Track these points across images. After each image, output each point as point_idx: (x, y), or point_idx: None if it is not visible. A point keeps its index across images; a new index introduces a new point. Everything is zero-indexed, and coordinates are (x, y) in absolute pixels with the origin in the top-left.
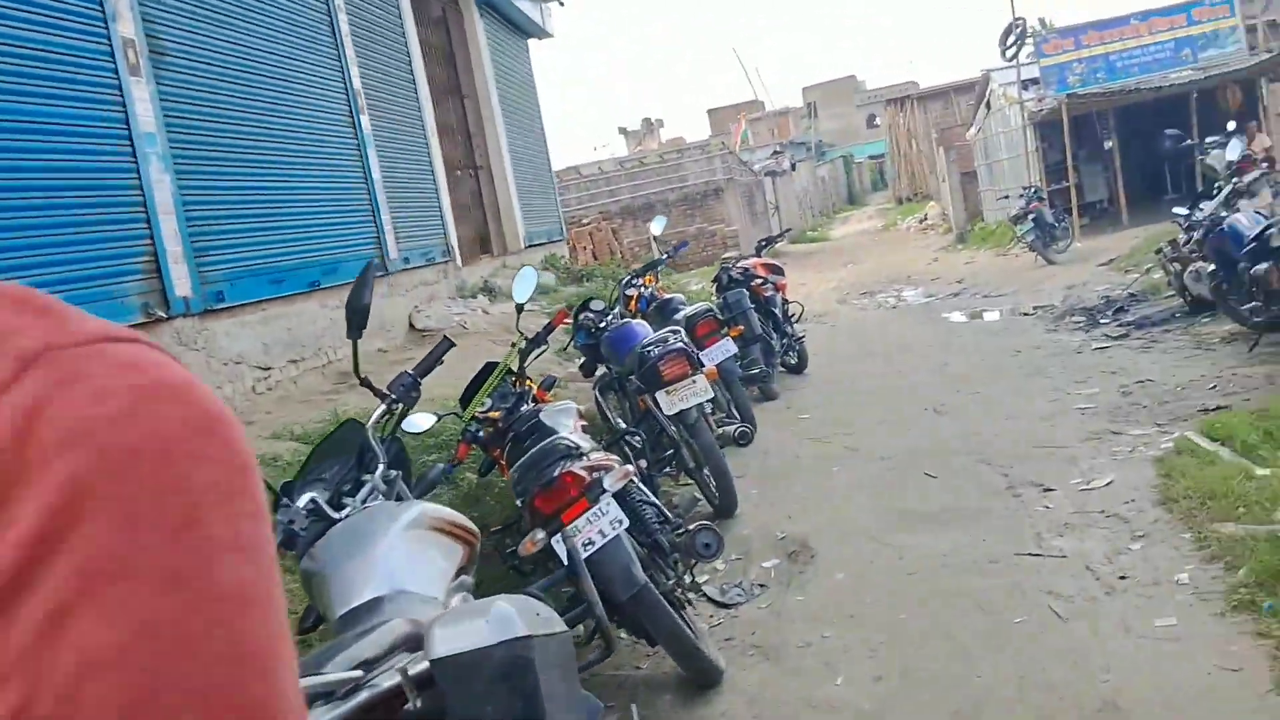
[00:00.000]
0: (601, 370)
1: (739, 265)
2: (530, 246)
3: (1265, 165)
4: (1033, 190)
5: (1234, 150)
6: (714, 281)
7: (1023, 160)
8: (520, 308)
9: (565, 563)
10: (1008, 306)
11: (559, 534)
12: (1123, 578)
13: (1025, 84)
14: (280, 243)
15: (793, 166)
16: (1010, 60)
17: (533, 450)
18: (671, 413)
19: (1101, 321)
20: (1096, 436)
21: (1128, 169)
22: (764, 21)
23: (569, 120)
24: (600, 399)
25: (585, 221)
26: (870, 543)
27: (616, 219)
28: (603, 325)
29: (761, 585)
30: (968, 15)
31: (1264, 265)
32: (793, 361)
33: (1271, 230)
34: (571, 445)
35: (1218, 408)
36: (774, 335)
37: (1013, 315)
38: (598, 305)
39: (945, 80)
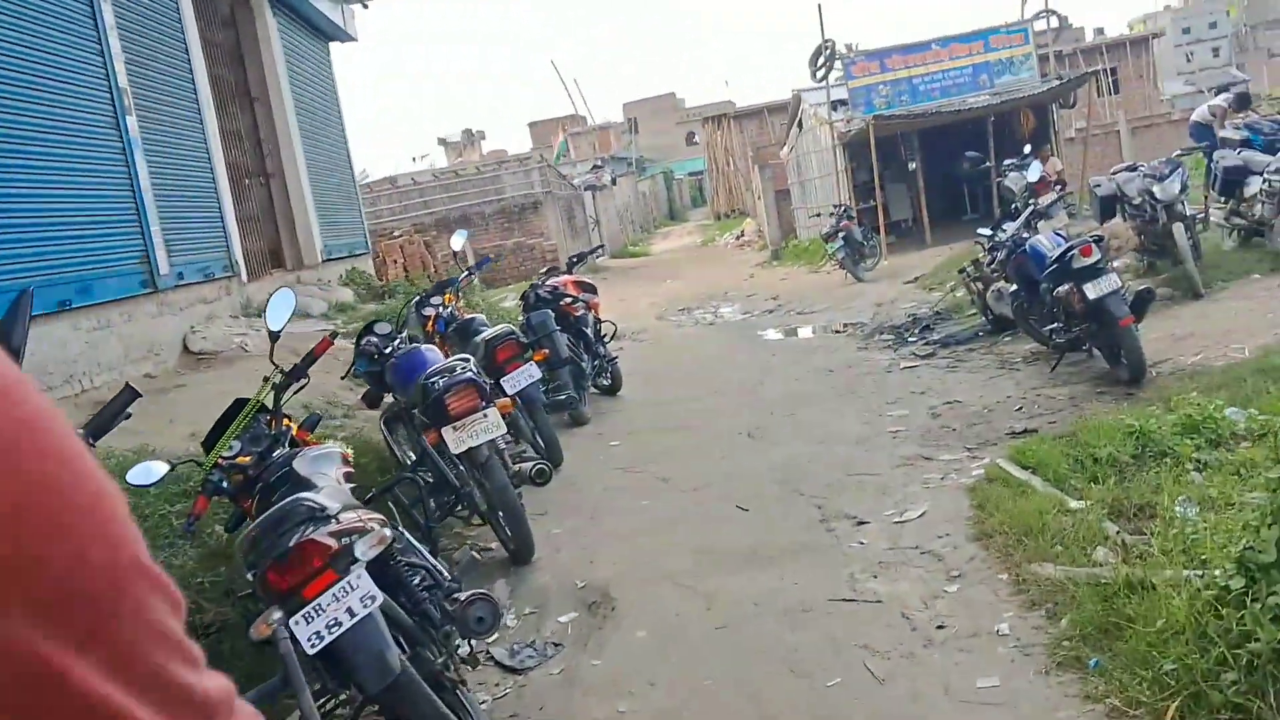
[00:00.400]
0: (389, 400)
1: (548, 283)
2: (330, 260)
3: (1059, 187)
4: (843, 209)
5: (1033, 173)
6: (521, 300)
7: (833, 179)
8: (275, 335)
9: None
10: (821, 324)
11: (301, 612)
12: (941, 627)
13: (835, 105)
14: (21, 257)
15: (613, 181)
16: (820, 81)
17: (262, 516)
18: (459, 451)
19: (909, 340)
20: (909, 462)
21: (931, 189)
22: (584, 35)
23: (389, 130)
24: (387, 433)
25: (396, 234)
26: (677, 589)
27: (431, 231)
28: (388, 351)
29: (557, 644)
30: (782, 37)
31: (1065, 287)
32: (605, 384)
33: (1072, 252)
34: (316, 507)
35: (1025, 431)
36: (585, 357)
37: (825, 333)
38: (383, 328)
39: (761, 100)
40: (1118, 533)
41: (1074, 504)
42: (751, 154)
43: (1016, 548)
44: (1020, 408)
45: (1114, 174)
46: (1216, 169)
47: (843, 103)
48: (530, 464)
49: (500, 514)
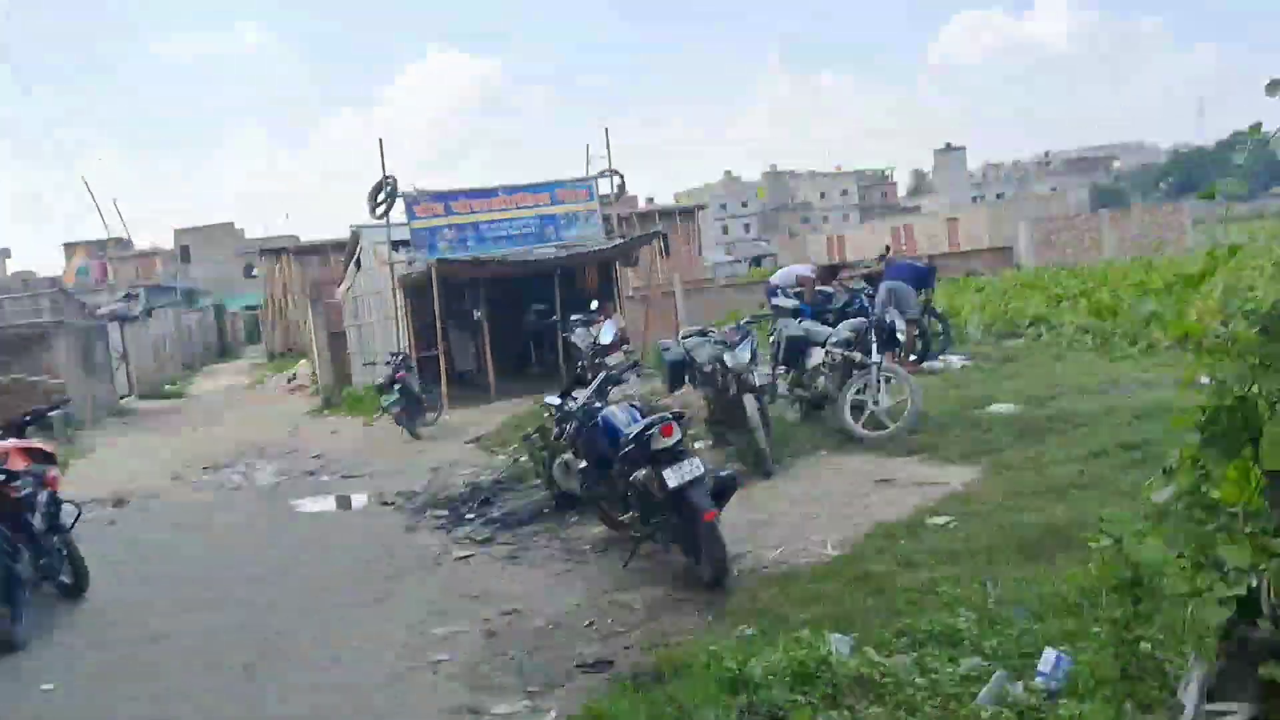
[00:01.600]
0: None
1: None
2: None
3: (624, 346)
4: (400, 358)
5: (606, 334)
6: None
7: (393, 324)
8: None
9: None
10: (367, 492)
11: None
12: None
13: (396, 245)
14: None
15: (148, 312)
16: (380, 219)
17: None
18: None
19: (467, 517)
20: (455, 714)
21: (496, 339)
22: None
23: None
24: None
25: None
26: None
27: None
28: None
29: None
30: (346, 172)
31: (643, 471)
32: (66, 582)
33: (651, 431)
34: None
35: (598, 663)
36: (23, 553)
37: (372, 504)
38: None
39: (325, 236)
40: None
41: None
42: (308, 291)
43: None
44: (591, 623)
45: (684, 338)
46: (779, 338)
47: (405, 243)
48: None
49: None
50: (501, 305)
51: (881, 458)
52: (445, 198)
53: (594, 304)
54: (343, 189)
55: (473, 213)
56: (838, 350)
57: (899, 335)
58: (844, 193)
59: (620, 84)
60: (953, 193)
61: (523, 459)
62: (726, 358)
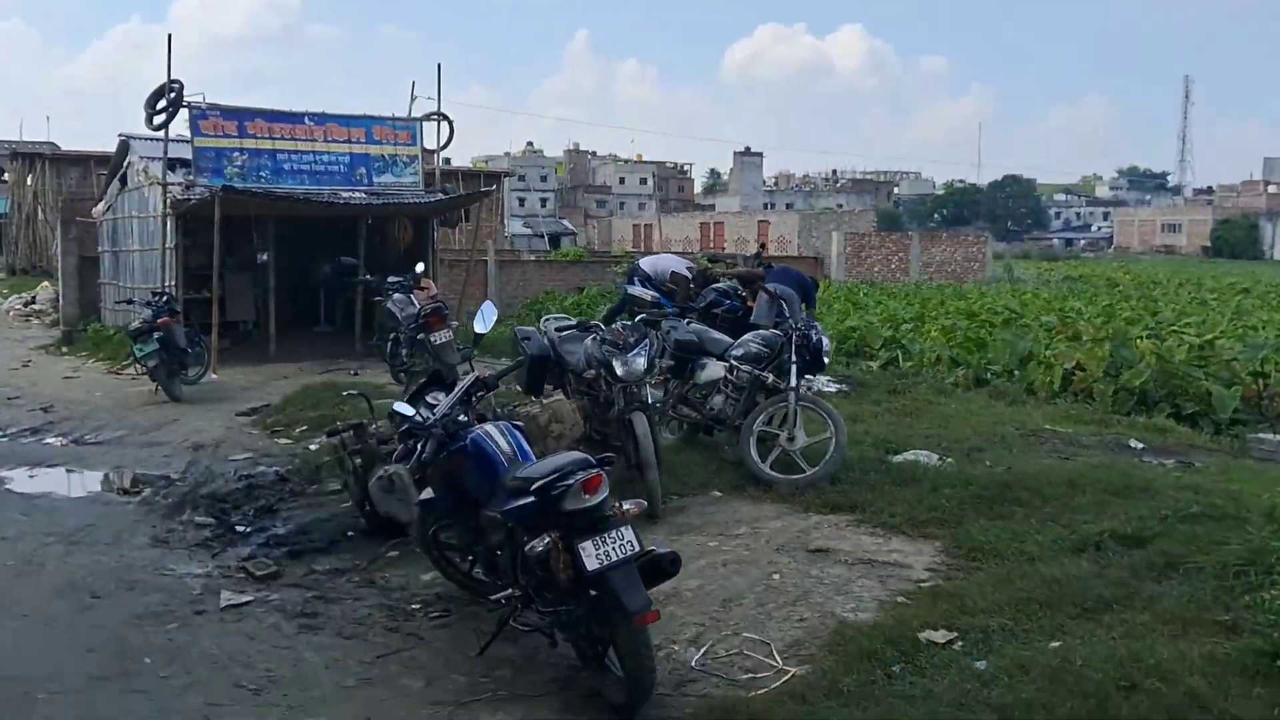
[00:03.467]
0: None
1: None
2: None
3: (454, 324)
4: (164, 299)
5: (485, 318)
6: None
7: (158, 256)
8: None
9: None
10: (106, 470)
11: None
12: None
13: (173, 164)
14: None
15: None
16: (157, 129)
17: None
18: None
19: (240, 532)
20: None
21: (282, 290)
22: None
23: None
24: None
25: None
26: None
27: None
28: None
29: None
30: (125, 82)
31: (544, 540)
32: None
33: (567, 484)
34: None
35: None
36: None
37: (106, 492)
38: None
39: (94, 147)
40: None
41: None
42: (61, 204)
43: None
44: None
45: (558, 330)
46: (665, 341)
47: (184, 163)
48: None
49: None
50: (293, 251)
51: (799, 513)
52: (240, 116)
53: (420, 266)
54: (119, 101)
55: (272, 138)
56: (745, 368)
57: (825, 357)
58: (643, 181)
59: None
60: (747, 196)
61: (318, 452)
62: (616, 365)
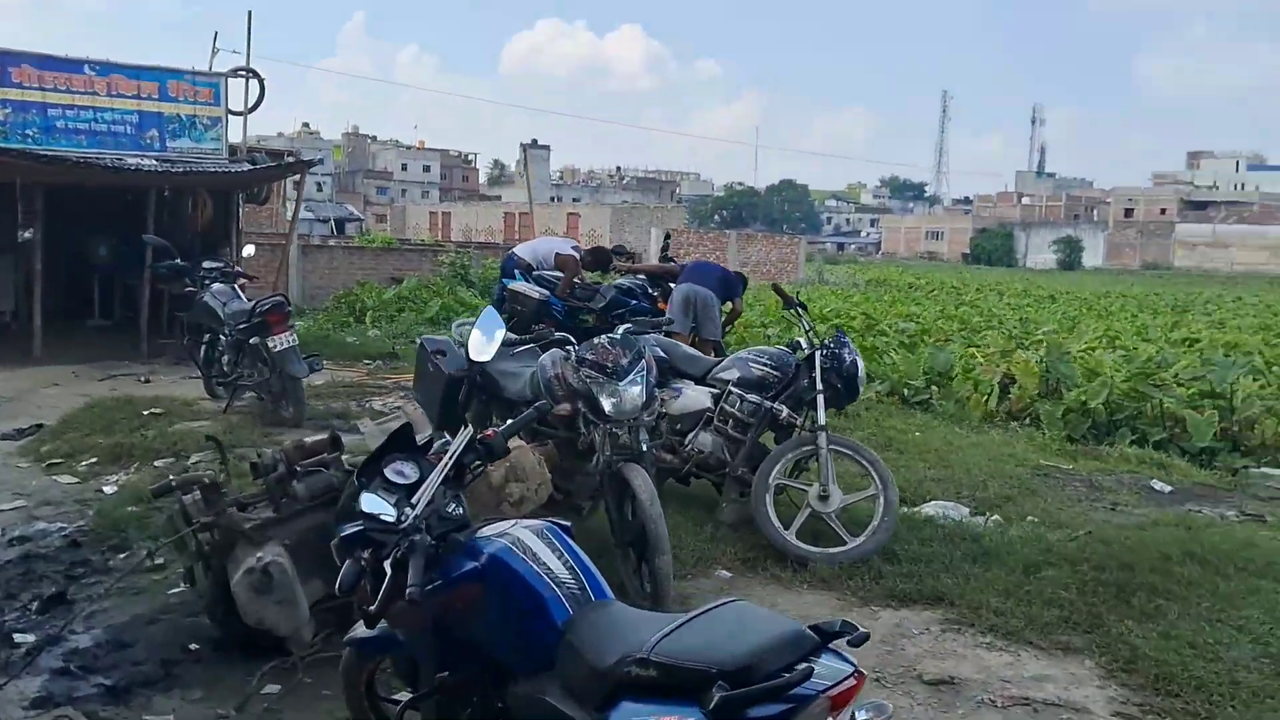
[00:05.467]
0: None
1: None
2: None
3: (293, 324)
4: None
5: (484, 336)
6: None
7: None
8: None
9: None
10: None
11: None
12: None
13: None
14: None
15: None
16: None
17: None
18: None
19: (17, 642)
20: None
21: (50, 275)
22: None
23: None
24: None
25: None
26: None
27: None
28: None
29: None
30: None
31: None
32: None
33: (808, 692)
34: None
35: None
36: None
37: None
38: None
39: None
40: None
41: None
42: None
43: None
44: None
45: (506, 341)
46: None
47: None
48: None
49: None
50: (64, 228)
51: (858, 605)
52: (5, 60)
53: (249, 249)
54: None
55: (42, 89)
56: (751, 398)
57: (859, 385)
58: (426, 169)
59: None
60: (534, 189)
61: (118, 498)
62: (604, 399)
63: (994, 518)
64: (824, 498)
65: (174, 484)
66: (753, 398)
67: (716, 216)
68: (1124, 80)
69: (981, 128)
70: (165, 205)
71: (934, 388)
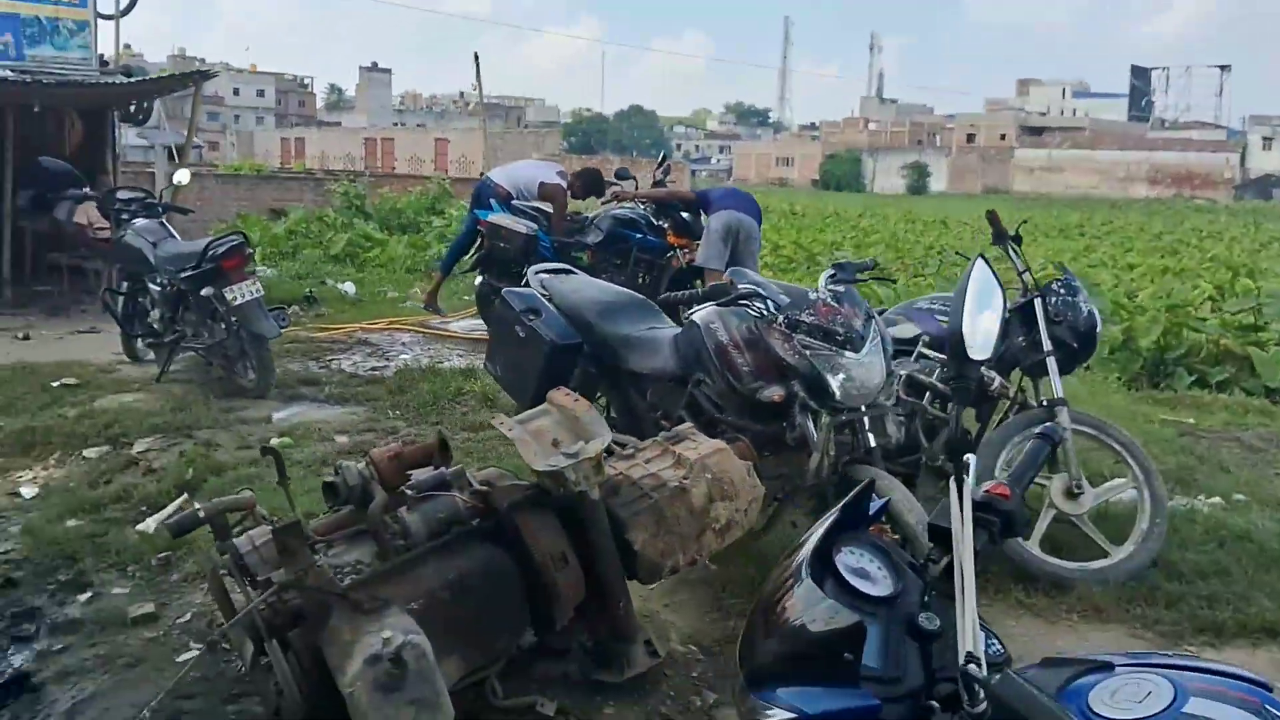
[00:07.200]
0: None
1: None
2: None
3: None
4: None
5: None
6: None
7: None
8: None
9: None
10: None
11: None
12: None
13: None
14: None
15: None
16: None
17: None
18: None
19: None
20: None
21: None
22: None
23: None
24: None
25: None
26: None
27: None
28: None
29: None
30: None
31: None
32: None
33: None
34: None
35: None
36: None
37: None
38: None
39: None
40: None
41: None
42: None
43: None
44: None
45: (601, 303)
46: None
47: None
48: None
49: None
50: None
51: (1142, 637)
52: None
53: (183, 175)
54: None
55: None
56: (932, 354)
57: (1096, 340)
58: (260, 93)
59: None
60: (374, 114)
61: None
62: (831, 377)
63: (1200, 498)
64: (1074, 495)
65: (202, 515)
66: (938, 359)
67: (565, 143)
68: (954, 9)
69: (822, 57)
70: (34, 123)
71: None
